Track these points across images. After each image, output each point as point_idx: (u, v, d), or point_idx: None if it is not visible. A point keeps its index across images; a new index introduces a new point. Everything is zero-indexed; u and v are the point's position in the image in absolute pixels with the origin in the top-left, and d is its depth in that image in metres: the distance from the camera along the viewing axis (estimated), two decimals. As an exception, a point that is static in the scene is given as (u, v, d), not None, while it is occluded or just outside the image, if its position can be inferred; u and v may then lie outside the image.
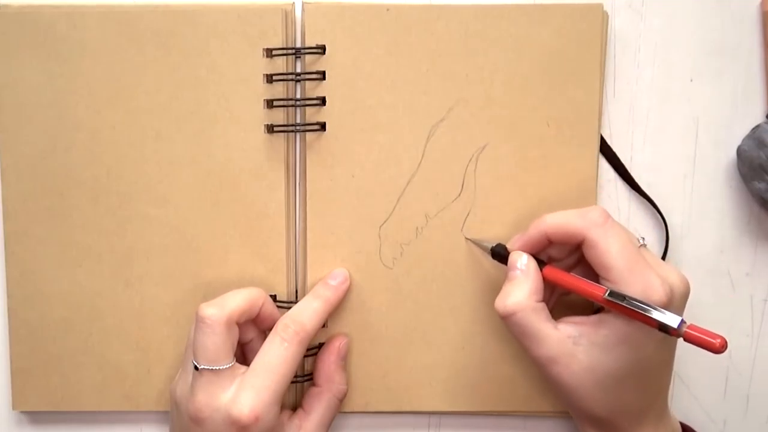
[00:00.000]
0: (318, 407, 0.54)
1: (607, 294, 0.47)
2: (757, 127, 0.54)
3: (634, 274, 0.47)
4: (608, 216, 0.49)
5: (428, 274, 0.55)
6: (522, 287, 0.50)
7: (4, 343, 0.56)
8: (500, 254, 0.52)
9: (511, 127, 0.54)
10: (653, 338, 0.47)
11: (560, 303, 0.53)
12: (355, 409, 0.56)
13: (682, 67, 0.55)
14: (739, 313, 0.56)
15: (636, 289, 0.47)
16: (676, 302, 0.48)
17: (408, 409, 0.56)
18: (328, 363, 0.54)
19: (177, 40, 0.53)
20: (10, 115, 0.54)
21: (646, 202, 0.56)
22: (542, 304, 0.50)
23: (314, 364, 0.55)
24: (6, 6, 0.54)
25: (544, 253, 0.52)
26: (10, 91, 0.54)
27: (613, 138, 0.55)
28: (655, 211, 0.56)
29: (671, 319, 0.46)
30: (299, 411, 0.54)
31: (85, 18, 0.53)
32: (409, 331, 0.55)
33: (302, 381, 0.55)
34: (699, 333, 0.45)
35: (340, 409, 0.55)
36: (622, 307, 0.47)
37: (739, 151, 0.54)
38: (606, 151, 0.55)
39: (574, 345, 0.48)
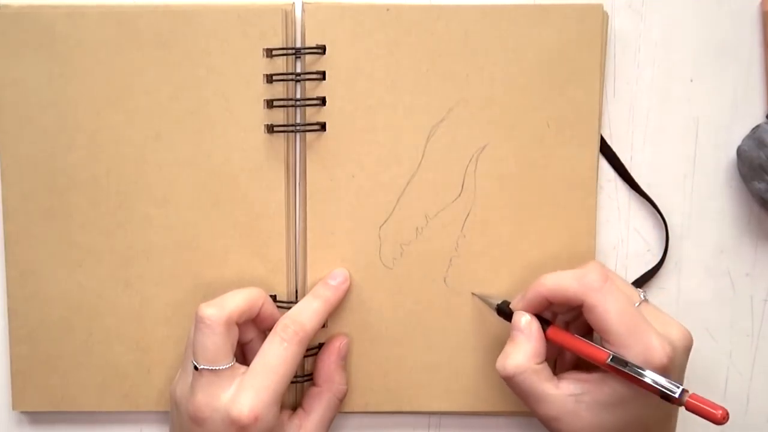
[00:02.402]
0: (318, 407, 0.54)
1: (609, 360, 0.47)
2: (757, 127, 0.54)
3: (634, 337, 0.47)
4: (606, 276, 0.49)
5: (428, 274, 0.55)
6: (522, 349, 0.50)
7: (4, 343, 0.56)
8: (505, 312, 0.52)
9: (511, 127, 0.54)
10: (656, 396, 0.47)
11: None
12: (355, 409, 0.56)
13: (682, 67, 0.55)
14: (739, 313, 0.56)
15: (636, 352, 0.47)
16: (678, 359, 0.48)
17: (408, 409, 0.56)
18: (328, 363, 0.54)
19: (177, 40, 0.53)
20: (10, 115, 0.54)
21: (646, 202, 0.56)
22: (543, 365, 0.50)
23: (314, 364, 0.55)
24: (6, 6, 0.54)
25: (547, 309, 0.52)
26: (10, 91, 0.54)
27: (613, 138, 0.55)
28: (655, 211, 0.56)
29: (673, 389, 0.46)
30: (299, 411, 0.54)
31: (85, 18, 0.53)
32: (409, 331, 0.55)
33: (302, 381, 0.55)
34: (700, 403, 0.45)
35: (340, 409, 0.55)
36: (624, 373, 0.47)
37: (739, 151, 0.54)
38: (606, 151, 0.55)
39: (576, 403, 0.49)
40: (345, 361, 0.55)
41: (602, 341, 0.49)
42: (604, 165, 0.56)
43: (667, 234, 0.56)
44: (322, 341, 0.55)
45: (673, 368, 0.48)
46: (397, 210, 0.54)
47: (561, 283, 0.50)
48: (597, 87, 0.54)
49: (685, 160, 0.56)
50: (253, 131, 0.54)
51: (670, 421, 0.51)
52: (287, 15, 0.53)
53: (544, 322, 0.51)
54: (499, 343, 0.54)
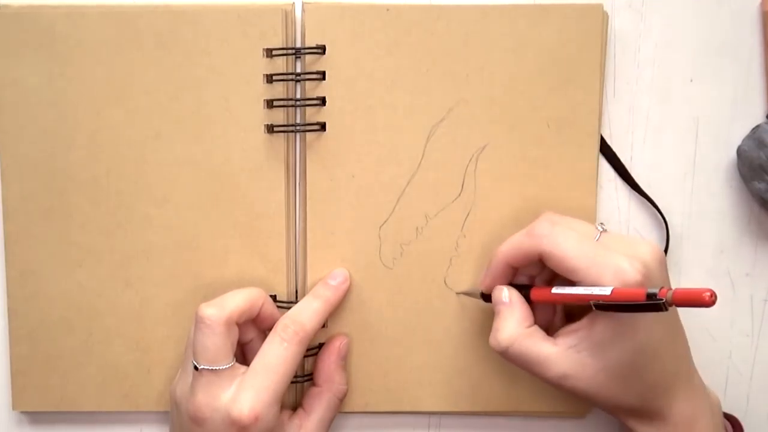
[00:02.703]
0: (318, 407, 0.54)
1: (593, 305, 0.47)
2: (757, 127, 0.54)
3: (599, 266, 0.47)
4: (555, 222, 0.49)
5: (428, 274, 0.55)
6: (510, 319, 0.50)
7: (4, 343, 0.56)
8: (489, 297, 0.52)
9: (511, 127, 0.54)
10: (647, 315, 0.46)
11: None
12: (355, 409, 0.56)
13: (682, 67, 0.55)
14: (739, 313, 0.56)
15: (608, 279, 0.46)
16: (654, 273, 0.47)
17: (408, 409, 0.56)
18: (328, 363, 0.54)
19: (177, 40, 0.53)
20: (10, 115, 0.54)
21: (646, 202, 0.56)
22: (534, 328, 0.50)
23: (314, 364, 0.55)
24: (6, 6, 0.54)
25: (525, 276, 0.52)
26: (10, 91, 0.54)
27: (613, 138, 0.55)
28: (655, 211, 0.56)
29: (653, 299, 0.44)
30: (299, 411, 0.54)
31: (85, 18, 0.53)
32: (409, 331, 0.55)
33: (302, 381, 0.55)
34: (686, 293, 0.43)
35: (340, 409, 0.55)
36: (613, 310, 0.46)
37: (739, 151, 0.54)
38: (606, 151, 0.55)
39: (577, 353, 0.48)
40: (345, 361, 0.55)
41: (575, 284, 0.48)
42: (604, 165, 0.56)
43: (668, 234, 0.56)
44: (322, 341, 0.55)
45: (651, 283, 0.47)
46: (397, 210, 0.54)
47: (514, 243, 0.50)
48: (597, 87, 0.54)
49: (685, 160, 0.56)
50: (253, 131, 0.54)
51: (677, 333, 0.50)
52: (287, 15, 0.53)
53: (525, 288, 0.51)
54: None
